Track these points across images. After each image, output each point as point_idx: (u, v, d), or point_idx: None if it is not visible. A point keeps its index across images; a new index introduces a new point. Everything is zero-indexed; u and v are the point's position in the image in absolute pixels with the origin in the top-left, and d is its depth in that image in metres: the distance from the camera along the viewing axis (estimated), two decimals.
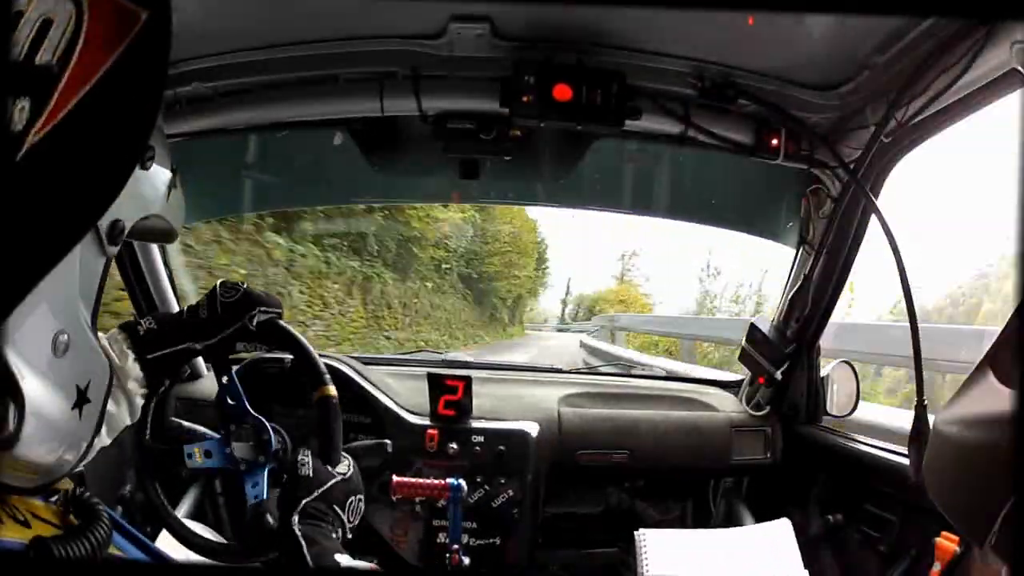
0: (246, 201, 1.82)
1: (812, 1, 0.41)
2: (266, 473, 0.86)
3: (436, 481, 1.20)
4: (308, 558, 0.73)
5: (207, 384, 1.37)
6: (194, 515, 1.33)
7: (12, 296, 0.38)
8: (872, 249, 1.31)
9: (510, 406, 1.42)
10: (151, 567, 0.49)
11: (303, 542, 0.74)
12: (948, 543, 0.98)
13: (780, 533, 1.23)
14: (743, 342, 1.50)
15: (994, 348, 0.46)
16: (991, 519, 0.39)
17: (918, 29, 0.95)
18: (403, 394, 1.39)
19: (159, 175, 0.57)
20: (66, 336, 0.45)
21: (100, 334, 0.55)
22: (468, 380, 1.35)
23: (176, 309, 1.42)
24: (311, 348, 0.86)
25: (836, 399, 1.44)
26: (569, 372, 1.79)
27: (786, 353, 1.44)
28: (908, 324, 1.09)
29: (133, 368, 0.67)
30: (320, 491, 0.79)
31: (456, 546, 1.19)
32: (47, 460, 0.46)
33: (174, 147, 1.23)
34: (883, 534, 1.19)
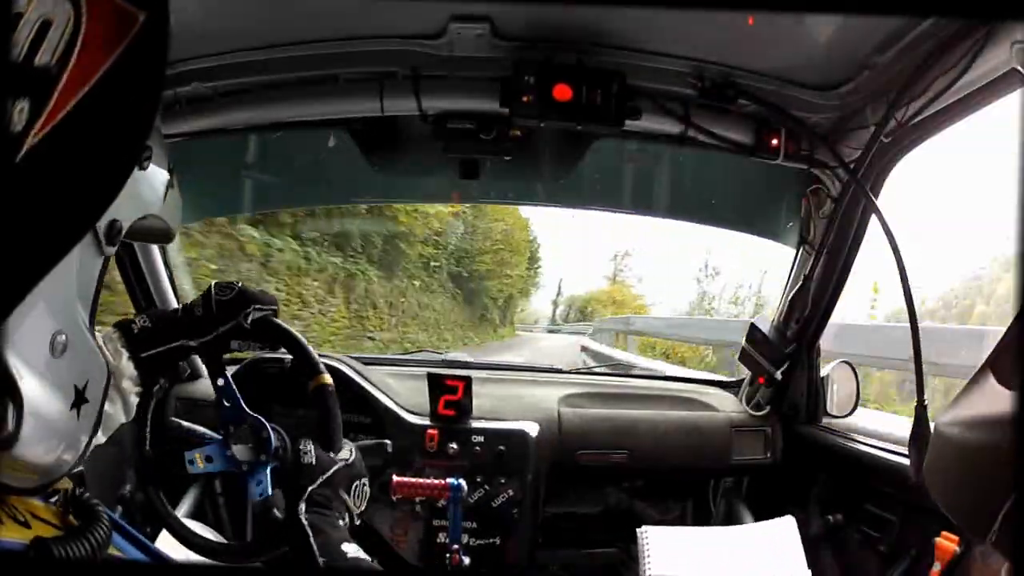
0: (246, 201, 1.82)
1: (812, 1, 0.41)
2: (268, 471, 0.86)
3: (436, 481, 1.20)
4: (314, 548, 0.73)
5: (207, 384, 1.36)
6: (194, 515, 1.33)
7: (12, 297, 0.38)
8: (872, 249, 1.31)
9: (510, 406, 1.42)
10: (151, 567, 0.49)
11: (309, 532, 0.75)
12: (948, 543, 0.98)
13: (784, 531, 1.23)
14: (743, 342, 1.50)
15: (995, 352, 0.47)
16: (992, 516, 0.40)
17: (918, 29, 0.95)
18: (403, 394, 1.39)
19: (156, 175, 0.57)
20: (64, 337, 0.45)
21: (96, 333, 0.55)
22: (468, 380, 1.35)
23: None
24: (305, 341, 0.87)
25: (836, 399, 1.44)
26: (569, 372, 1.78)
27: (786, 353, 1.44)
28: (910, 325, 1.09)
29: (127, 366, 0.67)
30: (324, 477, 0.80)
31: (456, 546, 1.19)
32: (46, 460, 0.46)
33: (173, 147, 1.24)
34: (883, 534, 1.19)
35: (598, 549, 1.57)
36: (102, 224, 0.49)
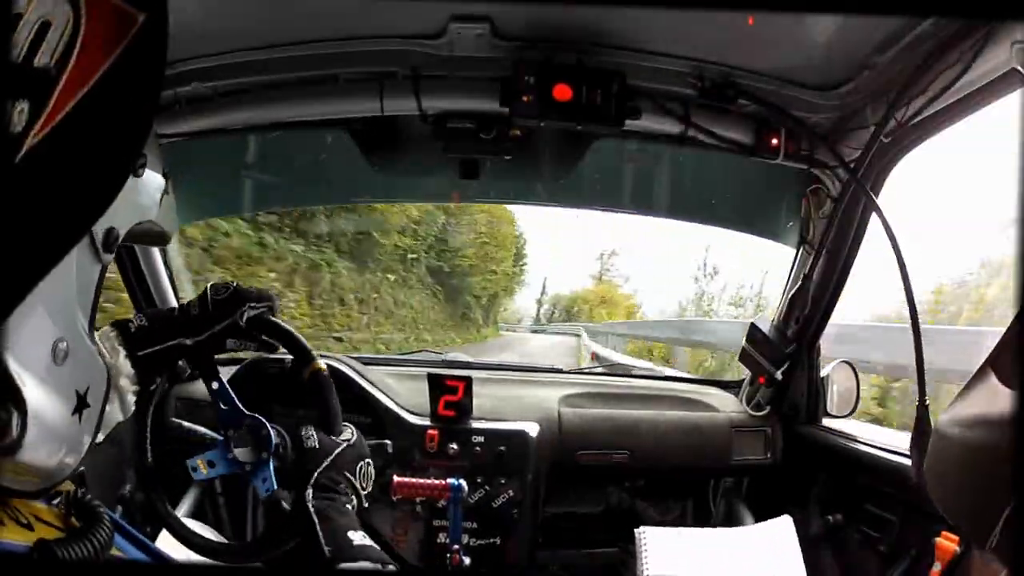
0: (245, 201, 1.82)
1: (812, 1, 0.41)
2: (271, 467, 0.87)
3: (436, 481, 1.20)
4: (320, 536, 0.74)
5: None
6: (194, 515, 1.33)
7: (11, 298, 0.38)
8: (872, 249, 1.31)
9: (510, 406, 1.42)
10: (151, 567, 0.49)
11: (315, 519, 0.75)
12: (948, 543, 0.98)
13: (782, 531, 1.23)
14: (743, 342, 1.50)
15: (996, 350, 0.46)
16: (992, 521, 0.39)
17: (918, 29, 0.95)
18: (403, 394, 1.39)
19: (152, 181, 0.57)
20: (65, 343, 0.46)
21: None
22: (468, 380, 1.34)
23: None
24: (298, 333, 0.88)
25: (836, 399, 1.45)
26: (569, 372, 1.79)
27: (786, 353, 1.44)
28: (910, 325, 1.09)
29: (124, 365, 0.68)
30: (329, 460, 0.80)
31: (456, 546, 1.19)
32: (49, 464, 0.46)
33: (172, 147, 1.24)
34: (883, 534, 1.19)
35: (598, 549, 1.57)
36: (99, 232, 0.49)
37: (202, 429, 0.94)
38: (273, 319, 0.85)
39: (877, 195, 1.21)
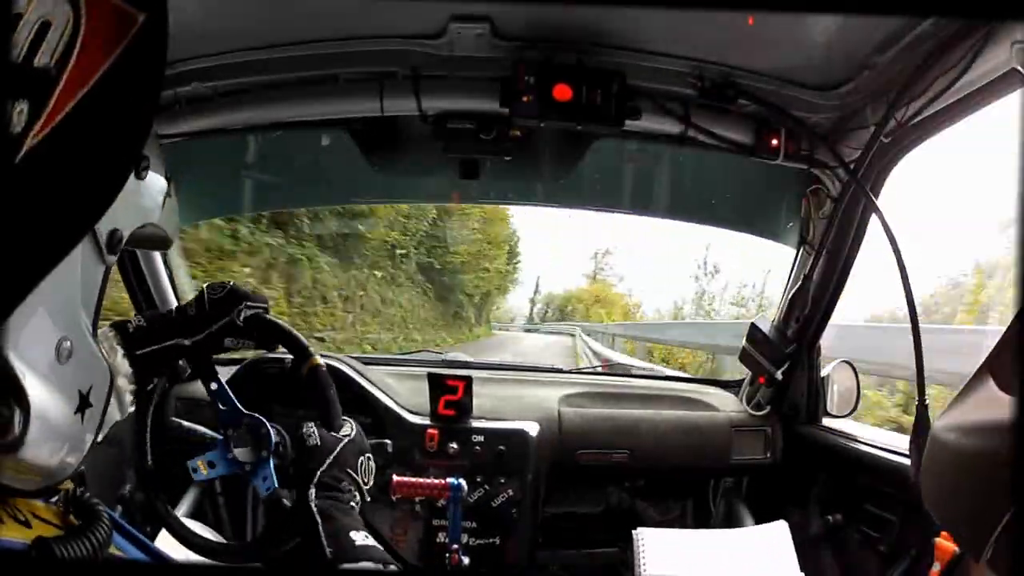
0: (245, 201, 1.82)
1: (812, 1, 0.41)
2: (271, 466, 0.87)
3: (436, 481, 1.20)
4: (323, 537, 0.74)
5: None
6: (194, 515, 1.33)
7: (12, 297, 0.38)
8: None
9: (510, 406, 1.42)
10: (151, 567, 0.49)
11: (318, 518, 0.75)
12: (948, 543, 0.98)
13: (777, 535, 1.23)
14: (743, 342, 1.50)
15: (995, 351, 0.45)
16: (988, 532, 0.38)
17: (918, 29, 0.95)
18: (403, 394, 1.39)
19: (155, 184, 0.57)
20: (69, 343, 0.46)
21: None
22: (468, 380, 1.35)
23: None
24: (295, 331, 0.88)
25: (836, 399, 1.45)
26: (569, 372, 1.79)
27: (786, 353, 1.44)
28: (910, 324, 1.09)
29: (122, 364, 0.68)
30: (331, 458, 0.80)
31: (456, 546, 1.19)
32: (50, 463, 0.46)
33: (173, 147, 1.24)
34: (883, 534, 1.19)
35: (598, 549, 1.57)
36: (103, 233, 0.49)
37: (202, 429, 0.94)
38: (270, 317, 0.85)
39: (877, 195, 1.21)
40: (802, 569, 1.17)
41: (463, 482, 1.18)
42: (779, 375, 1.44)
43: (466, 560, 1.21)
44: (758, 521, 1.39)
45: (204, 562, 0.91)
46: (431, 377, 1.35)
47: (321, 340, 6.50)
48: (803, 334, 1.44)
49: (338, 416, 0.86)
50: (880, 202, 1.20)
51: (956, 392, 0.47)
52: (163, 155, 0.59)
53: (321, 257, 6.79)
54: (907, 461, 1.08)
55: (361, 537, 0.74)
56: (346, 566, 0.72)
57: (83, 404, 0.48)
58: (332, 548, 0.73)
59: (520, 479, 1.32)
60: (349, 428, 0.86)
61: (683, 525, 1.60)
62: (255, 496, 1.37)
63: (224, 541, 1.02)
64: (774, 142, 1.23)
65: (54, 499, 0.51)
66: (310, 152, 1.48)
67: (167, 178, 0.60)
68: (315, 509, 0.76)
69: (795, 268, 1.46)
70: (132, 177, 0.53)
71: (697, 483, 1.59)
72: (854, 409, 1.44)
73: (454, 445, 1.32)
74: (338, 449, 0.82)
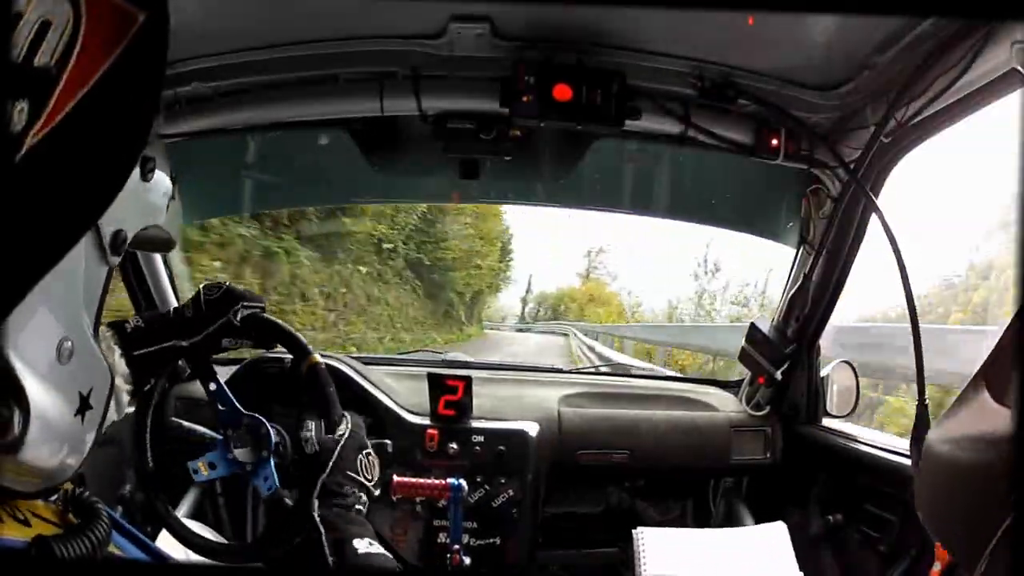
0: (246, 201, 1.82)
1: (812, 1, 0.41)
2: (272, 466, 0.87)
3: (436, 481, 1.20)
4: (325, 547, 0.74)
5: None
6: (194, 515, 1.33)
7: (12, 296, 0.38)
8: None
9: (510, 406, 1.42)
10: (151, 567, 0.49)
11: (322, 529, 0.75)
12: None
13: (776, 535, 1.24)
14: (743, 342, 1.50)
15: (989, 361, 0.44)
16: (983, 546, 0.38)
17: (918, 29, 0.95)
18: (403, 394, 1.39)
19: (160, 186, 0.57)
20: (70, 343, 0.46)
21: None
22: (468, 380, 1.35)
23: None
24: (293, 329, 0.89)
25: (836, 399, 1.44)
26: (569, 372, 1.79)
27: (786, 353, 1.44)
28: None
29: (120, 364, 0.68)
30: (331, 464, 0.80)
31: (456, 546, 1.19)
32: (50, 464, 0.46)
33: (173, 147, 1.24)
34: (883, 534, 1.19)
35: (598, 549, 1.57)
36: (107, 234, 0.49)
37: (202, 429, 0.94)
38: (267, 316, 0.85)
39: (877, 195, 1.21)
40: (802, 569, 1.17)
41: (463, 482, 1.18)
42: (779, 375, 1.44)
43: (467, 560, 1.21)
44: (758, 521, 1.39)
45: (204, 562, 0.91)
46: (431, 377, 1.35)
47: None
48: (803, 334, 1.44)
49: (337, 413, 0.86)
50: (880, 202, 1.20)
51: (953, 400, 0.47)
52: (168, 156, 0.59)
53: (301, 251, 6.35)
54: (907, 461, 1.08)
55: (364, 544, 0.74)
56: (361, 552, 0.72)
57: (83, 406, 0.48)
58: (334, 559, 0.73)
59: (520, 479, 1.32)
60: (345, 425, 0.85)
61: (683, 525, 1.60)
62: (255, 496, 1.37)
63: (224, 541, 1.02)
64: (774, 142, 1.23)
65: (53, 498, 0.51)
66: (310, 152, 1.48)
67: (172, 180, 0.60)
68: (318, 520, 0.76)
69: (795, 268, 1.46)
70: (138, 178, 0.53)
71: (697, 483, 1.59)
72: (854, 409, 1.44)
73: (454, 445, 1.32)
74: (336, 453, 0.81)
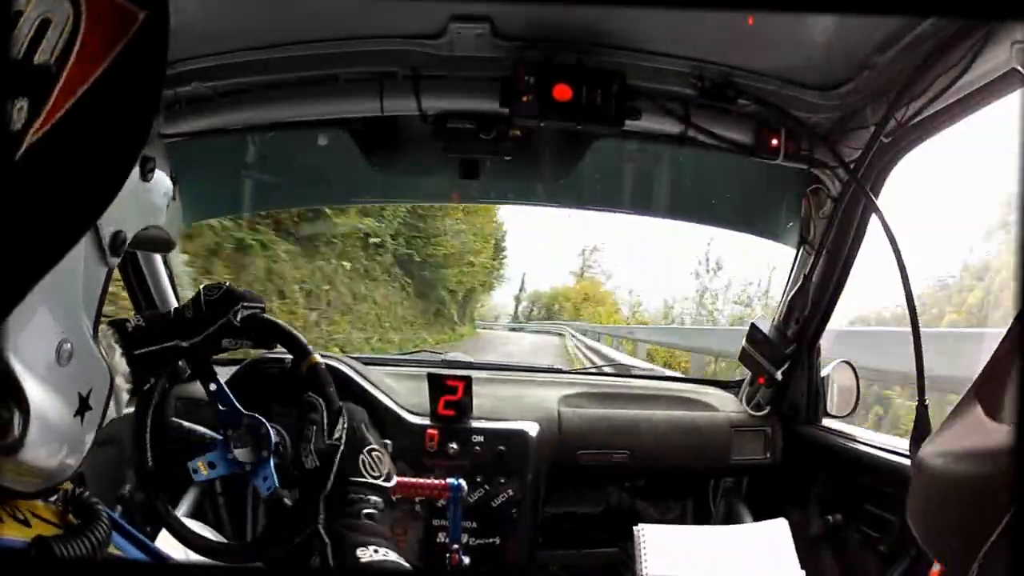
0: (245, 201, 1.82)
1: (812, 1, 0.41)
2: (272, 466, 0.87)
3: (436, 481, 1.19)
4: (330, 559, 0.74)
5: None
6: (194, 515, 1.33)
7: (12, 296, 0.38)
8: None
9: (510, 406, 1.42)
10: (151, 567, 0.49)
11: (327, 540, 0.75)
12: None
13: (777, 532, 1.23)
14: (743, 342, 1.50)
15: (981, 378, 0.45)
16: (972, 557, 0.38)
17: (918, 29, 0.95)
18: (403, 394, 1.39)
19: (160, 186, 0.57)
20: (70, 344, 0.46)
21: None
22: (468, 380, 1.35)
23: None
24: (294, 329, 0.88)
25: (836, 399, 1.44)
26: (569, 372, 1.79)
27: (786, 353, 1.44)
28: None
29: (120, 363, 0.68)
30: (332, 477, 0.79)
31: (456, 546, 1.19)
32: (49, 465, 0.46)
33: (173, 147, 1.24)
34: (883, 534, 1.19)
35: (598, 549, 1.57)
36: (107, 235, 0.49)
37: (202, 429, 0.94)
38: (268, 317, 0.85)
39: (877, 195, 1.21)
40: (802, 569, 1.17)
41: (463, 482, 1.18)
42: (779, 375, 1.44)
43: (466, 560, 1.20)
44: (758, 521, 1.39)
45: (204, 562, 0.91)
46: (431, 377, 1.35)
47: None
48: (803, 334, 1.44)
49: (337, 415, 0.85)
50: (880, 202, 1.20)
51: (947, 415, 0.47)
52: (169, 156, 0.59)
53: (279, 244, 5.87)
54: (907, 461, 1.08)
55: (369, 553, 0.73)
56: (364, 562, 0.71)
57: (83, 407, 0.48)
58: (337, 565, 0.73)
59: (520, 479, 1.32)
60: (341, 426, 0.84)
61: (683, 525, 1.60)
62: (255, 496, 1.37)
63: (224, 541, 1.02)
64: (774, 142, 1.23)
65: (53, 499, 0.51)
66: (310, 152, 1.48)
67: (173, 180, 0.60)
68: (323, 533, 0.76)
69: (795, 268, 1.46)
70: (137, 179, 0.53)
71: (697, 483, 1.59)
72: (854, 409, 1.44)
73: (454, 445, 1.32)
74: (336, 463, 0.80)
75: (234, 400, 0.88)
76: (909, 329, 1.07)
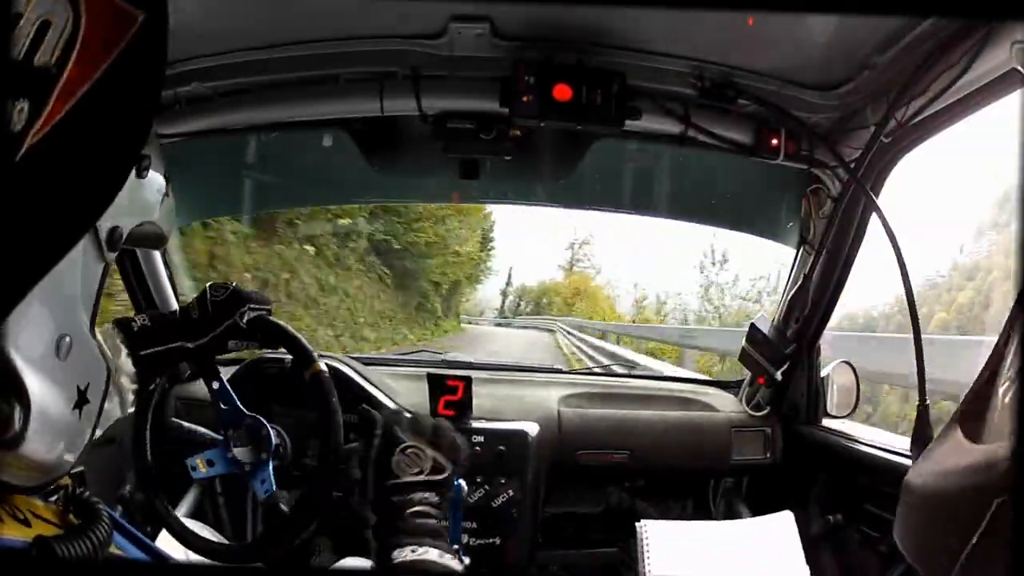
0: (245, 201, 1.82)
1: (812, 1, 0.41)
2: (270, 468, 0.87)
3: None
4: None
5: None
6: (194, 515, 1.33)
7: (13, 295, 0.38)
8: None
9: (510, 406, 1.42)
10: (151, 567, 0.49)
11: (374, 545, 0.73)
12: None
13: (782, 526, 1.23)
14: (743, 342, 1.50)
15: (963, 407, 0.48)
16: (952, 561, 0.41)
17: (918, 29, 0.95)
18: (403, 394, 1.39)
19: (154, 182, 0.58)
20: (68, 339, 0.46)
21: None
22: (468, 380, 1.35)
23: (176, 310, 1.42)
24: (299, 335, 0.88)
25: (836, 399, 1.44)
26: (569, 372, 1.79)
27: (786, 353, 1.44)
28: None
29: (126, 363, 0.69)
30: (375, 519, 0.75)
31: (456, 546, 1.18)
32: (49, 459, 0.46)
33: (173, 147, 1.24)
34: (883, 534, 1.19)
35: (598, 549, 1.56)
36: (104, 231, 0.49)
37: (202, 429, 0.94)
38: (274, 320, 0.85)
39: (877, 195, 1.21)
40: None
41: (463, 482, 1.17)
42: (779, 375, 1.44)
43: (466, 560, 1.20)
44: None
45: (204, 562, 0.91)
46: (431, 377, 1.35)
47: None
48: (803, 334, 1.44)
49: (339, 430, 0.84)
50: (880, 202, 1.20)
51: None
52: (162, 154, 0.59)
53: (226, 225, 4.97)
54: (907, 461, 1.08)
55: (405, 553, 0.69)
56: (344, 564, 0.71)
57: (81, 400, 0.48)
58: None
59: (520, 479, 1.32)
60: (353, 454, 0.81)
61: None
62: (255, 497, 1.37)
63: (224, 541, 1.02)
64: (774, 142, 1.23)
65: (54, 498, 0.51)
66: (310, 152, 1.48)
67: (165, 177, 0.60)
68: (370, 538, 0.73)
69: (795, 268, 1.46)
70: (133, 175, 0.53)
71: (697, 483, 1.59)
72: (854, 409, 1.44)
73: None
74: (369, 505, 0.75)
75: (236, 400, 0.88)
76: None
